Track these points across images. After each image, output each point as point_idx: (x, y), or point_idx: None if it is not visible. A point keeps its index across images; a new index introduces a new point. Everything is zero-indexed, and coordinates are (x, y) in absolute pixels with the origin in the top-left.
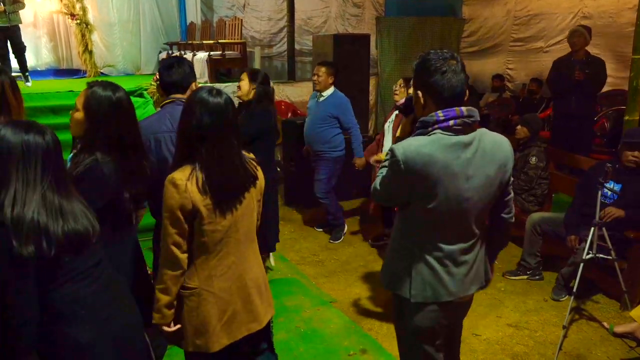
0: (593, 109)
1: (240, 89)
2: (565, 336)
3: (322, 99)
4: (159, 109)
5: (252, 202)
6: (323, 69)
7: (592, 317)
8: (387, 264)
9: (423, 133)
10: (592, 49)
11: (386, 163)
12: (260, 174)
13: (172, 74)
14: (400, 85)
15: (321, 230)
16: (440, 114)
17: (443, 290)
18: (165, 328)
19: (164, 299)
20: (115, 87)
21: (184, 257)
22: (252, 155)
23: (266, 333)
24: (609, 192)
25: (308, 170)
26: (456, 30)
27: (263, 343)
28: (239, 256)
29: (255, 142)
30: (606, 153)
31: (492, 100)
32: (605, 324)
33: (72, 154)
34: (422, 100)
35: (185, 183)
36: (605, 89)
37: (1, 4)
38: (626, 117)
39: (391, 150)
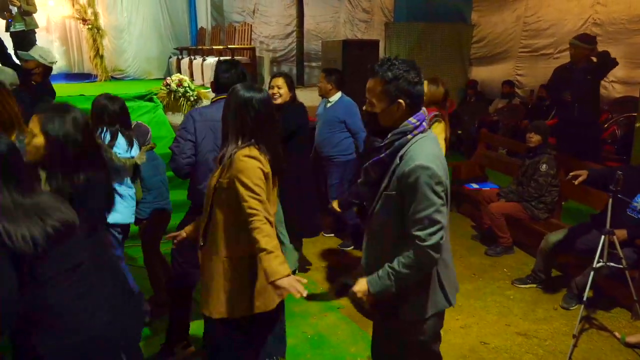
0: (597, 115)
1: (280, 95)
2: (575, 345)
3: (329, 104)
4: (169, 113)
5: (275, 184)
6: (322, 75)
7: (602, 327)
8: (408, 298)
9: (403, 142)
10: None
11: (429, 188)
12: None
13: (229, 76)
14: None
15: (330, 236)
16: (413, 120)
17: (452, 288)
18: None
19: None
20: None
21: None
22: None
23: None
24: (639, 207)
25: (317, 174)
26: (465, 36)
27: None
28: (272, 230)
29: (294, 136)
30: (617, 160)
31: (502, 106)
32: (616, 333)
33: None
34: (403, 109)
35: (260, 155)
36: (616, 95)
37: (15, 8)
38: (637, 124)
39: (422, 167)
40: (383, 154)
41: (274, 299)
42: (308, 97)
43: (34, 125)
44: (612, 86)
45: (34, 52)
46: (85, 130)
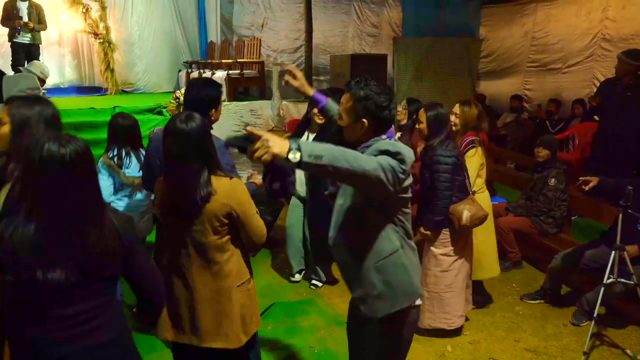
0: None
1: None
2: None
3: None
4: None
5: None
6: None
7: (614, 344)
8: (385, 288)
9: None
10: (612, 71)
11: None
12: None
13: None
14: (403, 107)
15: None
16: (383, 137)
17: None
18: None
19: None
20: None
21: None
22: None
23: None
24: None
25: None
26: (473, 50)
27: None
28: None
29: None
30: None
31: (510, 120)
32: (628, 351)
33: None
34: (365, 128)
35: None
36: None
37: (30, 21)
38: None
39: (393, 145)
40: None
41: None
42: None
43: (3, 114)
44: None
45: (34, 68)
46: (49, 123)
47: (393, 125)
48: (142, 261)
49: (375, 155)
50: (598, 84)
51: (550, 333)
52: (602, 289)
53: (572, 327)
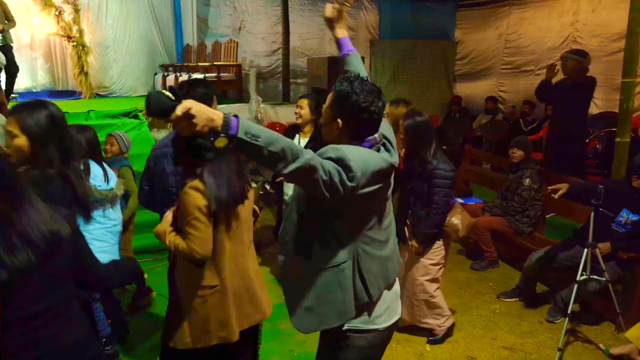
0: (583, 130)
1: (301, 116)
2: (560, 359)
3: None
4: (155, 130)
5: (249, 209)
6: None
7: (587, 339)
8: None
9: None
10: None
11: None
12: (251, 187)
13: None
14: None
15: None
16: (355, 144)
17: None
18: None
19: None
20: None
21: (209, 251)
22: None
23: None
24: (624, 221)
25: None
26: (449, 53)
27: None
28: (244, 254)
29: None
30: (598, 174)
31: (485, 122)
32: (601, 346)
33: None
34: (340, 129)
35: (204, 188)
36: (596, 111)
37: None
38: (617, 139)
39: (336, 150)
40: None
41: (237, 331)
42: (294, 113)
43: (12, 126)
44: (593, 102)
45: None
46: (63, 124)
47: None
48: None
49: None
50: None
51: (526, 330)
52: (576, 286)
53: (548, 324)
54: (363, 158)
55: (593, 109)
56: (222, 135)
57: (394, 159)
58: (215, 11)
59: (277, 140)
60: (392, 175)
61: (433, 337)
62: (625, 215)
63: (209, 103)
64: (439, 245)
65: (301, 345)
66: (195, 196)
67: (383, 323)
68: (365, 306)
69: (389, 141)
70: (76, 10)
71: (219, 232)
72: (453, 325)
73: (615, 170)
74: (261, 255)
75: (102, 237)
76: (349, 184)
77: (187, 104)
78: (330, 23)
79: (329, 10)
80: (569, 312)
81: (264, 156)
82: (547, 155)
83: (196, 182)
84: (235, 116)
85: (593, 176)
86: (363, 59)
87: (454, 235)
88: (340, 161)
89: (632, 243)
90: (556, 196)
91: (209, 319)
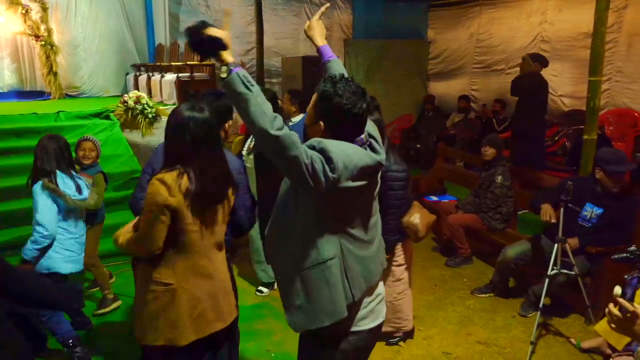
0: (539, 128)
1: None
2: (533, 352)
3: (291, 124)
4: (127, 130)
5: (226, 211)
6: (287, 97)
7: (558, 332)
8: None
9: None
10: (550, 71)
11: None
12: (235, 191)
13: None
14: None
15: None
16: None
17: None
18: None
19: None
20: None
21: (154, 248)
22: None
23: (230, 333)
24: (588, 215)
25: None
26: (422, 52)
27: (225, 342)
28: (211, 258)
29: None
30: (567, 171)
31: (458, 120)
32: (572, 340)
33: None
34: (322, 131)
35: (172, 182)
36: (565, 109)
37: None
38: (585, 137)
39: (319, 142)
40: None
41: (189, 336)
42: None
43: None
44: (560, 100)
45: None
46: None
47: (365, 135)
48: None
49: None
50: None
51: (500, 325)
52: (547, 280)
53: (520, 318)
54: (346, 152)
55: (562, 107)
56: (227, 67)
57: (381, 157)
58: (187, 10)
59: (265, 101)
60: (379, 174)
61: (390, 341)
62: (590, 209)
63: (227, 119)
64: (399, 247)
65: (278, 345)
66: (159, 189)
67: (366, 325)
68: (348, 307)
69: (376, 140)
70: (44, 9)
71: (184, 231)
72: (413, 330)
73: (584, 167)
74: (236, 256)
75: (71, 247)
76: (330, 175)
77: (224, 34)
78: (309, 32)
79: (308, 24)
80: (540, 305)
81: (250, 106)
82: (511, 151)
83: (167, 175)
84: (242, 67)
85: (562, 173)
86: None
87: (414, 236)
88: (322, 152)
89: (598, 237)
90: (553, 220)
91: (158, 317)
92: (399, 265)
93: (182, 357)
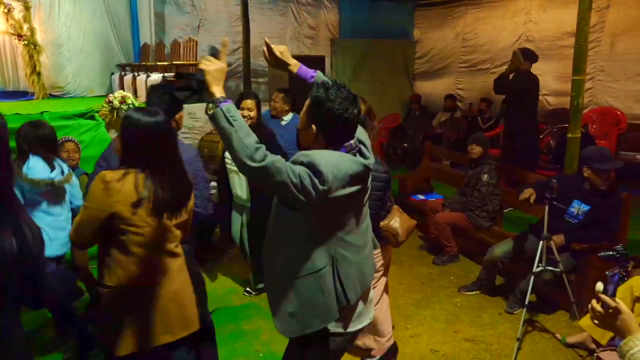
0: (532, 126)
1: (251, 118)
2: (519, 348)
3: (284, 123)
4: (112, 131)
5: (182, 218)
6: (280, 96)
7: (544, 329)
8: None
9: None
10: (535, 70)
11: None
12: (192, 196)
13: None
14: None
15: None
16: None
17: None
18: None
19: None
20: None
21: (84, 243)
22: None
23: (191, 345)
24: (575, 212)
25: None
26: (409, 51)
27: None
28: (161, 266)
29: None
30: (552, 169)
31: (444, 119)
32: (557, 335)
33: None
34: (314, 135)
35: (113, 182)
36: (549, 107)
37: None
38: (569, 135)
39: (306, 156)
40: None
41: (127, 346)
42: None
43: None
44: (545, 99)
45: None
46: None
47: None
48: None
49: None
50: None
51: (487, 322)
52: (532, 277)
53: (507, 315)
54: (334, 162)
55: (546, 106)
56: (214, 103)
57: (369, 161)
58: (173, 9)
59: (249, 133)
60: (369, 179)
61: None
62: (577, 206)
63: (179, 110)
64: (377, 252)
65: (267, 346)
66: (97, 185)
67: (354, 327)
68: (342, 310)
69: (365, 146)
70: (26, 8)
71: (126, 235)
72: (394, 347)
73: (568, 165)
74: (224, 256)
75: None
76: (320, 187)
77: (218, 66)
78: (279, 64)
79: (269, 58)
80: (526, 302)
81: (233, 141)
82: (502, 150)
83: (109, 174)
84: (229, 100)
85: (547, 171)
86: (324, 57)
87: (393, 240)
88: (310, 166)
89: (584, 233)
90: (532, 201)
91: (102, 321)
92: (376, 271)
93: None
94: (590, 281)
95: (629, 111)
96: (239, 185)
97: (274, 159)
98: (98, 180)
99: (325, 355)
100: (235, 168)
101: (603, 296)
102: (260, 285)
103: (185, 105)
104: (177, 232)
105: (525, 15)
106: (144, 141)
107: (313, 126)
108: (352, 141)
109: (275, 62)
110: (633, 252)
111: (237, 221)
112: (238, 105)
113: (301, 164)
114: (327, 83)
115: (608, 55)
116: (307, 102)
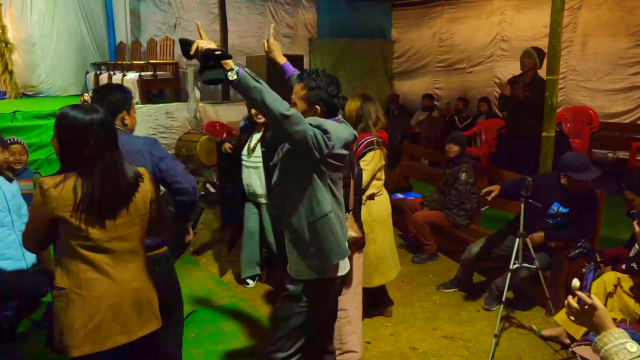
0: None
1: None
2: (497, 344)
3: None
4: None
5: (135, 214)
6: None
7: (521, 325)
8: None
9: None
10: (510, 70)
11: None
12: (145, 185)
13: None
14: None
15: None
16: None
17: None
18: None
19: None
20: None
21: (33, 249)
22: (140, 169)
23: (148, 346)
24: (554, 213)
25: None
26: (387, 51)
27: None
28: (116, 267)
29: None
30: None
31: (422, 118)
32: (533, 327)
33: None
34: (318, 114)
35: (50, 189)
36: None
37: None
38: (543, 134)
39: (315, 120)
40: None
41: (82, 348)
42: (234, 112)
43: None
44: None
45: None
46: None
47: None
48: None
49: None
50: (499, 83)
51: (465, 319)
52: (509, 274)
53: (484, 312)
54: (335, 128)
55: None
56: (235, 70)
57: (355, 131)
58: (149, 7)
59: (274, 95)
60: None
61: None
62: (556, 208)
63: (126, 108)
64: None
65: (246, 346)
66: (36, 193)
67: (342, 271)
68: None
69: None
70: None
71: (74, 237)
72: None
73: (542, 163)
74: (204, 257)
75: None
76: (329, 142)
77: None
78: (270, 54)
79: (266, 45)
80: (503, 299)
81: (265, 97)
82: (503, 153)
83: (48, 180)
84: (242, 67)
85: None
86: (302, 57)
87: (354, 248)
88: (319, 127)
89: (560, 233)
90: (489, 198)
91: (56, 322)
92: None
93: None
94: (564, 277)
95: (600, 110)
96: (258, 182)
97: (296, 111)
98: (37, 188)
99: (327, 295)
100: (252, 164)
101: (580, 293)
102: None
103: (161, 105)
104: (132, 231)
105: (500, 15)
106: (82, 140)
107: (317, 107)
108: (339, 116)
109: (269, 50)
110: (605, 248)
111: (253, 216)
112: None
113: (310, 124)
114: (315, 71)
115: (580, 55)
116: (302, 89)
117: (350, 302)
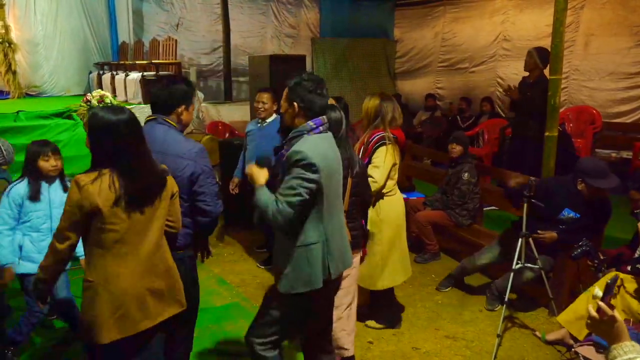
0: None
1: (265, 110)
2: (499, 345)
3: (265, 123)
4: None
5: (160, 209)
6: (266, 95)
7: (524, 325)
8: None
9: (299, 139)
10: (513, 70)
11: (295, 174)
12: (170, 181)
13: (158, 93)
14: None
15: (262, 251)
16: (311, 123)
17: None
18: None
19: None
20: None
21: (63, 247)
22: (164, 166)
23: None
24: (565, 219)
25: (248, 191)
26: (389, 51)
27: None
28: (140, 259)
29: None
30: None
31: (425, 118)
32: (537, 332)
33: None
34: (296, 111)
35: (87, 185)
36: None
37: None
38: (546, 134)
39: (299, 153)
40: (284, 150)
41: (110, 335)
42: (236, 112)
43: None
44: None
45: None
46: None
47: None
48: None
49: (289, 168)
50: (502, 83)
51: (467, 319)
52: (511, 274)
53: (487, 312)
54: (319, 151)
55: None
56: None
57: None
58: (152, 8)
59: (263, 207)
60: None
61: None
62: (566, 214)
63: (187, 102)
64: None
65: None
66: (73, 189)
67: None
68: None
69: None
70: (0, 6)
71: (104, 230)
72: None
73: (545, 163)
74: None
75: None
76: (314, 176)
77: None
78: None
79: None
80: (505, 299)
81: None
82: (509, 152)
83: (83, 177)
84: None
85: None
86: (305, 57)
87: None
88: (304, 160)
89: (570, 235)
90: (548, 240)
91: (85, 313)
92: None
93: (111, 352)
94: (567, 277)
95: (602, 110)
96: None
97: (282, 208)
98: (73, 185)
99: (307, 312)
100: None
101: (601, 303)
102: None
103: None
104: (158, 224)
105: (503, 15)
106: (110, 138)
107: (295, 103)
108: (324, 116)
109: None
110: (608, 248)
111: None
112: None
113: (296, 162)
114: (296, 75)
115: (582, 54)
116: (285, 90)
117: (342, 299)
